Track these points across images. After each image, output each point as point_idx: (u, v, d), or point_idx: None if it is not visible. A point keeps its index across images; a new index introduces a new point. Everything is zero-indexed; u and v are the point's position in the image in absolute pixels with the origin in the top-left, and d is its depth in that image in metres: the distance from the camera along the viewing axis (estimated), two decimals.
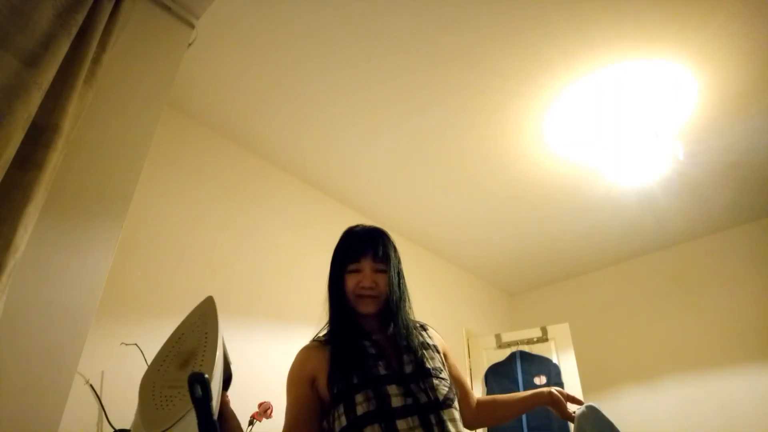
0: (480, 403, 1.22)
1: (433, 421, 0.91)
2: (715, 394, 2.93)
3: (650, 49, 1.96)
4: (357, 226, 1.16)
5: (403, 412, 0.91)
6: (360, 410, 0.91)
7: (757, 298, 2.99)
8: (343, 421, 0.92)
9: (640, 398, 3.23)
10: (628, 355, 3.41)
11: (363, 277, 1.06)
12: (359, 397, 0.92)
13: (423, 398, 0.94)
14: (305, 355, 1.06)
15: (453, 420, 0.95)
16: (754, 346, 2.90)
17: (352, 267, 1.08)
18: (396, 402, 0.92)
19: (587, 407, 1.14)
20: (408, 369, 0.99)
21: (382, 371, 0.97)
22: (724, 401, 2.88)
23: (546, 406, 1.17)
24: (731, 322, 3.04)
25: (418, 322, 1.17)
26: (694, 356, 3.11)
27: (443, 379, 1.01)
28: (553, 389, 1.17)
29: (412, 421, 0.90)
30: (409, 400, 0.93)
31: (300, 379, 1.02)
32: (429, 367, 1.01)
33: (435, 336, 1.18)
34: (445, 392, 0.98)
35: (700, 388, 3.00)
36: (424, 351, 1.05)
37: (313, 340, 1.10)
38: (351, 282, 1.07)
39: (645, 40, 1.92)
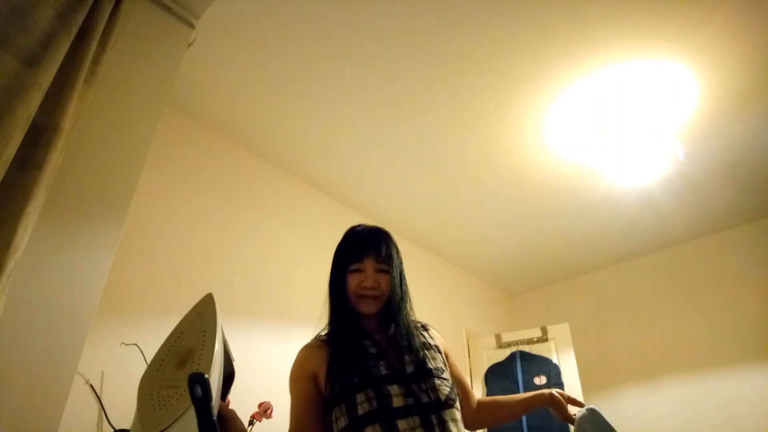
0: (480, 404, 1.21)
1: (435, 421, 0.91)
2: (715, 394, 2.93)
3: (650, 49, 1.96)
4: (359, 225, 1.16)
5: (404, 412, 0.91)
6: (360, 410, 0.91)
7: (757, 298, 2.99)
8: (344, 421, 0.92)
9: (640, 398, 3.23)
10: (628, 355, 3.41)
11: (365, 277, 1.06)
12: (360, 397, 0.92)
13: (424, 398, 0.94)
14: (306, 353, 1.06)
15: (454, 420, 0.95)
16: (754, 346, 2.90)
17: (354, 266, 1.08)
18: (397, 402, 0.92)
19: (588, 410, 1.14)
20: (409, 369, 0.99)
21: (383, 371, 0.97)
22: (724, 401, 2.88)
23: (547, 407, 1.17)
24: (731, 322, 3.04)
25: (419, 322, 1.17)
26: (694, 356, 3.11)
27: (445, 379, 1.01)
28: (554, 391, 1.17)
29: (413, 421, 0.90)
30: (410, 400, 0.93)
31: (302, 377, 1.02)
32: (431, 367, 1.01)
33: (436, 336, 1.18)
34: (446, 392, 0.98)
35: (700, 388, 3.00)
36: (426, 351, 1.05)
37: (314, 339, 1.10)
38: (353, 282, 1.07)
39: (645, 41, 1.92)
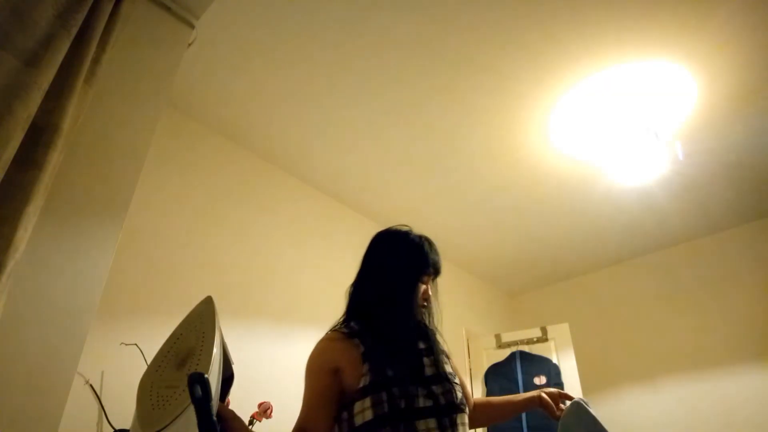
0: (475, 405, 1.25)
1: (448, 423, 0.95)
2: (715, 394, 2.93)
3: (650, 51, 1.96)
4: (424, 236, 1.20)
5: (424, 414, 0.94)
6: (387, 407, 0.93)
7: (757, 298, 2.99)
8: (368, 415, 0.93)
9: (640, 398, 3.23)
10: (628, 355, 3.41)
11: (427, 289, 1.14)
12: (384, 395, 0.94)
13: (441, 401, 0.98)
14: (328, 345, 1.06)
15: (464, 424, 1.00)
16: (754, 346, 2.90)
17: (425, 278, 1.14)
18: (419, 403, 0.95)
19: (573, 404, 1.12)
20: (429, 372, 1.03)
21: (407, 371, 1.01)
22: (724, 401, 2.88)
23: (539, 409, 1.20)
24: (731, 322, 3.04)
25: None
26: (694, 356, 3.11)
27: (456, 384, 1.05)
28: (543, 393, 1.20)
29: (430, 423, 0.93)
30: (429, 402, 0.96)
31: (322, 368, 1.02)
32: (447, 371, 1.05)
33: (442, 341, 1.21)
34: (459, 397, 1.02)
35: (700, 388, 3.00)
36: (441, 356, 1.10)
37: (335, 332, 1.09)
38: (420, 291, 1.12)
39: (645, 42, 1.93)
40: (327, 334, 1.09)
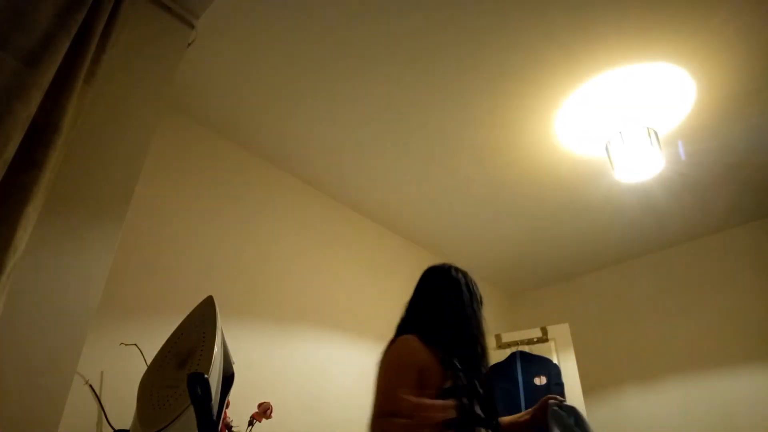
0: None
1: None
2: (716, 394, 2.93)
3: (650, 52, 1.97)
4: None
5: (485, 423, 1.12)
6: (466, 410, 1.10)
7: (757, 299, 2.98)
8: (451, 413, 1.05)
9: (640, 398, 3.23)
10: (628, 356, 3.41)
11: None
12: (465, 400, 1.11)
13: (490, 416, 1.16)
14: (419, 346, 1.19)
15: None
16: (754, 346, 2.89)
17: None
18: (481, 413, 1.13)
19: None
20: (482, 390, 1.20)
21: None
22: (724, 401, 2.88)
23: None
24: (731, 323, 3.04)
25: None
26: (695, 356, 3.11)
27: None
28: (531, 414, 1.39)
29: None
30: (485, 415, 1.14)
31: (414, 363, 1.15)
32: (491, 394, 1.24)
33: None
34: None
35: (701, 388, 3.00)
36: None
37: (416, 335, 1.22)
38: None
39: (645, 45, 1.93)
40: (409, 336, 1.23)
